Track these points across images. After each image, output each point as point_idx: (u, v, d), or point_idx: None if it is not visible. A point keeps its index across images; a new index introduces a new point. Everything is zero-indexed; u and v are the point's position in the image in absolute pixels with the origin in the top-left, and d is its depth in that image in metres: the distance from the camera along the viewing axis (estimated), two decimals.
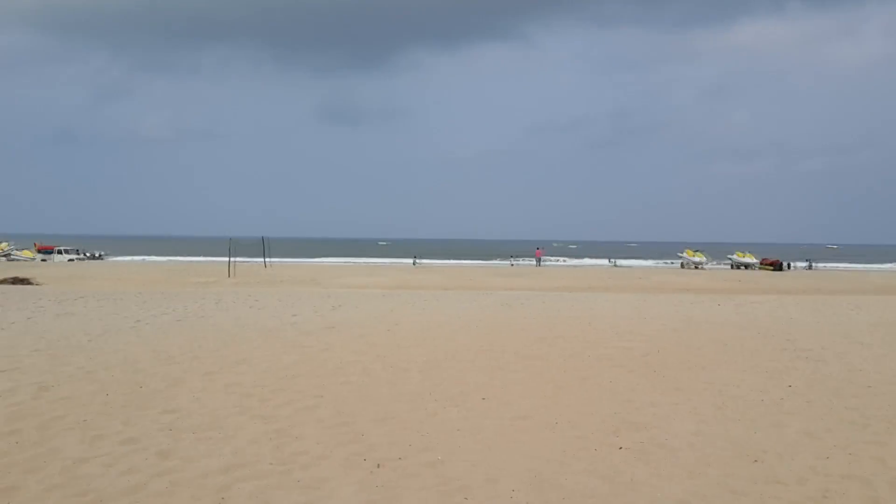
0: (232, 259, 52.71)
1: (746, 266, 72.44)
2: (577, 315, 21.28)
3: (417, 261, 79.24)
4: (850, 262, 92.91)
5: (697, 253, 76.17)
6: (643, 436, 8.80)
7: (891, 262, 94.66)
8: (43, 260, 72.30)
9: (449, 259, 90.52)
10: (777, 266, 70.73)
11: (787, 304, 26.42)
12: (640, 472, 7.48)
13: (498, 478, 7.30)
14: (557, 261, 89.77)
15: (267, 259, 63.98)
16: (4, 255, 72.05)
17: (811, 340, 16.43)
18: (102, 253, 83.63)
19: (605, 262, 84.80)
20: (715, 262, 78.16)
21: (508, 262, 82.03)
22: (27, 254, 74.34)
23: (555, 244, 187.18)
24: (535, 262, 78.98)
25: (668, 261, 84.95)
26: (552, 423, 9.37)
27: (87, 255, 79.98)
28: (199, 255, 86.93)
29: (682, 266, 74.68)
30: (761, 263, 72.64)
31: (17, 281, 36.45)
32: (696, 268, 72.45)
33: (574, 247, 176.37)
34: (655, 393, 11.06)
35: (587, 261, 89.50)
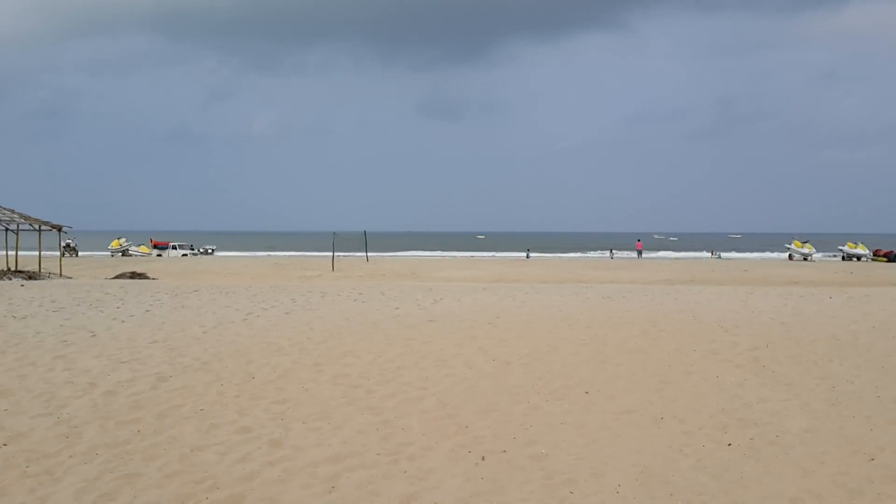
0: (336, 253, 53.86)
1: (858, 257, 69.52)
2: (680, 308, 20.89)
3: (531, 254, 79.35)
4: None
5: (806, 244, 73.50)
6: (753, 432, 8.62)
7: None
8: (158, 255, 75.40)
9: (553, 252, 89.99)
10: (891, 257, 67.53)
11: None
12: (751, 469, 7.35)
13: (603, 472, 7.30)
14: (658, 253, 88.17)
15: (368, 253, 65.13)
16: (122, 251, 75.51)
17: None
18: (213, 248, 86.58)
19: (707, 254, 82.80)
20: (824, 254, 75.31)
21: (608, 255, 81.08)
22: (143, 249, 77.66)
23: (656, 236, 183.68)
24: (635, 255, 77.82)
25: (775, 252, 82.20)
26: (658, 417, 9.29)
27: (199, 250, 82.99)
28: (304, 250, 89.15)
29: (790, 258, 72.25)
30: (874, 254, 69.56)
31: (134, 275, 38.16)
32: (805, 259, 69.99)
33: (675, 239, 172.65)
34: (764, 389, 10.80)
35: (689, 253, 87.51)
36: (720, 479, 7.10)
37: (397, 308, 20.90)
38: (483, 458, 7.75)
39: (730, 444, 8.16)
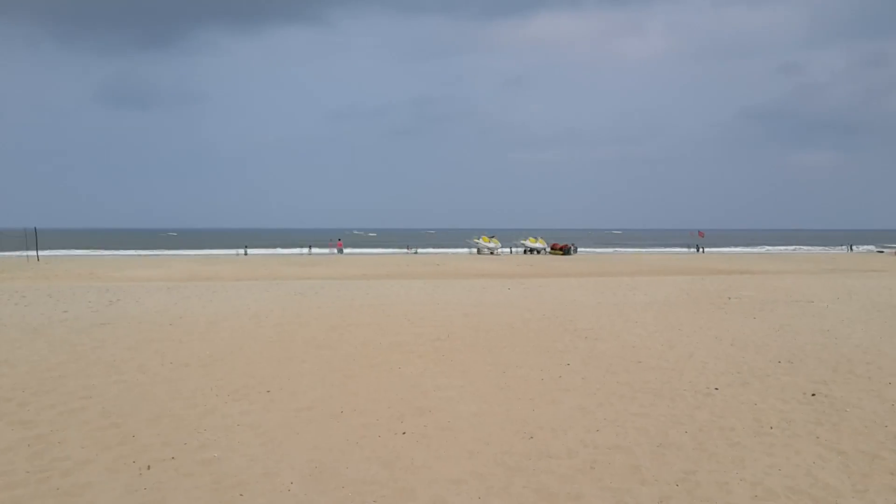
0: None
1: (537, 251, 75.66)
2: (371, 303, 21.25)
3: (248, 250, 76.78)
4: (632, 247, 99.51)
5: (493, 239, 78.62)
6: (427, 419, 8.84)
7: (663, 245, 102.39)
8: None
9: (255, 248, 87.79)
10: (566, 250, 74.40)
11: (572, 287, 27.78)
12: (421, 456, 7.50)
13: (277, 471, 7.07)
14: (357, 249, 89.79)
15: (39, 252, 59.29)
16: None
17: (591, 321, 17.31)
18: None
19: (404, 250, 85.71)
20: (509, 249, 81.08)
21: (306, 251, 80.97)
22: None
23: (355, 232, 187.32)
24: (335, 252, 78.49)
25: (464, 249, 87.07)
26: (338, 412, 9.23)
27: None
28: None
29: (478, 252, 76.83)
30: (552, 248, 76.13)
31: None
32: (491, 253, 74.76)
33: (374, 235, 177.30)
34: (443, 377, 11.19)
35: (388, 249, 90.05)
36: (391, 468, 7.16)
37: (65, 311, 19.11)
38: (149, 468, 7.19)
39: (405, 433, 8.29)
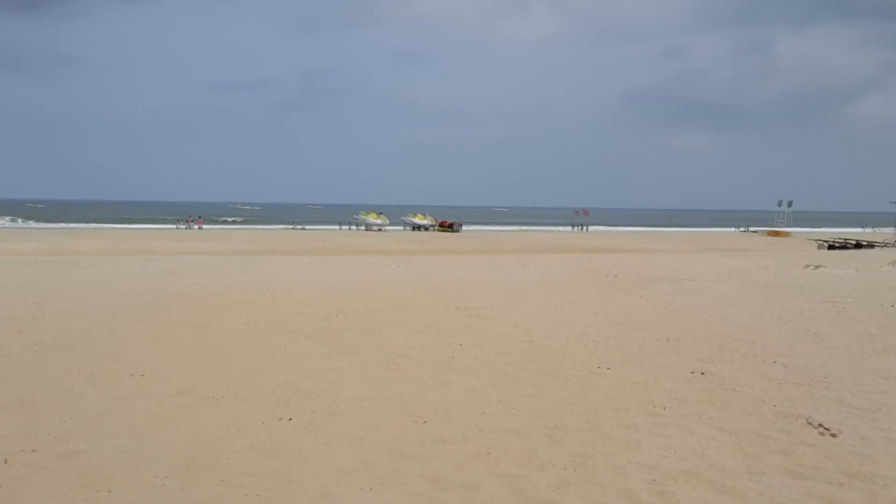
0: None
1: (424, 228, 75.75)
2: (254, 280, 20.49)
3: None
4: (518, 225, 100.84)
5: (380, 215, 78.18)
6: (314, 404, 8.40)
7: (549, 224, 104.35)
8: None
9: (129, 224, 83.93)
10: (453, 227, 74.80)
11: (461, 265, 27.69)
12: (307, 444, 7.07)
13: (148, 464, 6.49)
14: (241, 224, 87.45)
15: None
16: None
17: (481, 299, 17.16)
18: None
19: (289, 227, 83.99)
20: (395, 225, 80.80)
21: (176, 226, 77.77)
22: None
23: (235, 206, 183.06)
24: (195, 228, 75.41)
25: (348, 226, 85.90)
26: (217, 397, 8.66)
27: None
28: None
29: (366, 228, 76.25)
30: (439, 225, 76.38)
31: None
32: (379, 230, 74.34)
33: (258, 209, 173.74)
34: (330, 359, 10.74)
35: (270, 226, 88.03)
36: (276, 457, 6.70)
37: None
38: (6, 462, 6.50)
39: (290, 419, 7.83)
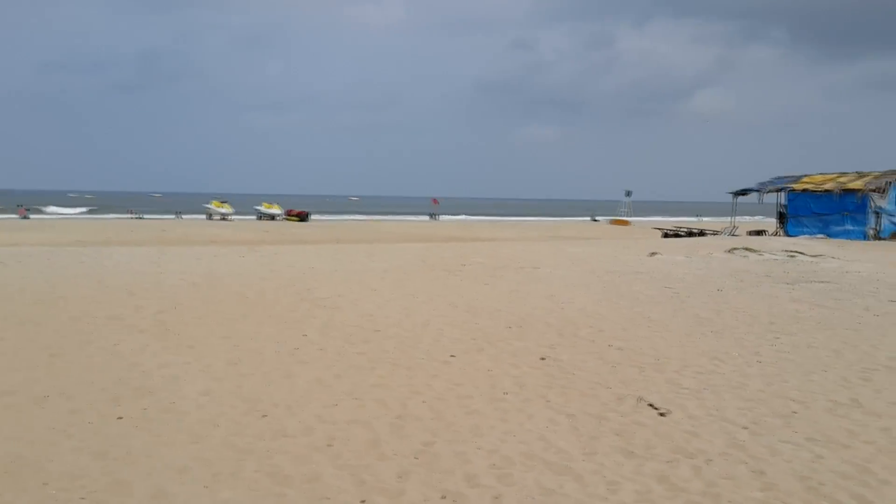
0: None
1: (273, 217, 74.19)
2: (87, 272, 19.38)
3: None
4: (369, 214, 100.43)
5: (224, 204, 75.88)
6: (148, 401, 8.04)
7: (400, 213, 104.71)
8: None
9: None
10: (302, 217, 73.63)
11: (309, 254, 27.24)
12: (139, 443, 6.75)
13: None
14: (71, 210, 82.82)
15: None
16: None
17: (329, 289, 16.94)
18: None
19: (127, 216, 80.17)
20: (242, 215, 78.72)
21: (18, 215, 72.98)
22: None
23: (70, 195, 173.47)
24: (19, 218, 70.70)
25: (196, 215, 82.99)
26: (42, 396, 8.15)
27: None
28: None
29: (209, 217, 73.85)
30: (287, 214, 74.98)
31: None
32: (224, 219, 72.17)
33: (91, 197, 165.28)
34: (167, 353, 10.32)
35: (107, 214, 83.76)
36: (104, 458, 6.37)
37: None
38: None
39: (121, 418, 7.47)
